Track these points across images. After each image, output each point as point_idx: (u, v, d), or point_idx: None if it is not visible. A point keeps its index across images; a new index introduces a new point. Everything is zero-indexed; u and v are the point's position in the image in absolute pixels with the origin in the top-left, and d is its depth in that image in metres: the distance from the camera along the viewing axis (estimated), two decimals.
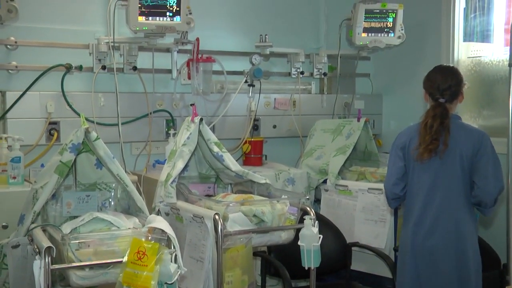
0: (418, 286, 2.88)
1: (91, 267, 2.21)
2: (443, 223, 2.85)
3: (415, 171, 2.90)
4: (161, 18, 3.47)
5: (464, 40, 4.27)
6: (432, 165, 2.86)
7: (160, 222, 2.24)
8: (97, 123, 3.62)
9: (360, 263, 3.61)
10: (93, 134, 2.45)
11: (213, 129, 3.83)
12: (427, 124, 2.85)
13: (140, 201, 2.58)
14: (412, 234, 2.89)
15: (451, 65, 3.22)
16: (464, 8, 4.27)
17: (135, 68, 3.78)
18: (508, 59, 3.47)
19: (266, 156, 4.22)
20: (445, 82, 2.88)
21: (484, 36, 4.31)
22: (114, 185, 2.75)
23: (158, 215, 2.77)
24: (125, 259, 2.11)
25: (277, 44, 4.24)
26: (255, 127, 4.24)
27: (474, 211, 2.91)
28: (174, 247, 2.17)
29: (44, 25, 3.59)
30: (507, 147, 3.47)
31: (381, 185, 3.57)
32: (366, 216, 3.61)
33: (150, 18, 3.45)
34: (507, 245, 3.46)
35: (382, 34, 4.21)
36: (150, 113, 3.81)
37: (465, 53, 4.28)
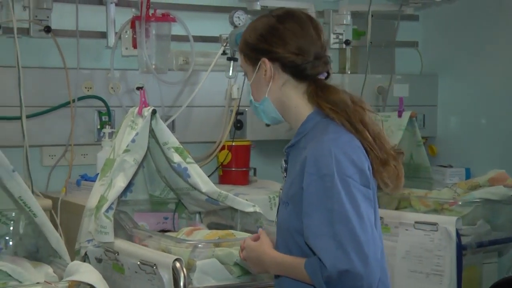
0: None
1: None
2: None
3: None
4: None
5: None
6: None
7: (87, 273, 2.24)
8: None
9: None
10: None
11: (172, 127, 3.85)
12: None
13: (56, 240, 2.57)
14: None
15: None
16: None
17: (48, 30, 3.74)
18: None
19: (255, 170, 4.24)
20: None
21: None
22: (13, 214, 2.74)
23: (84, 261, 2.77)
24: None
25: None
26: (239, 125, 4.24)
27: None
28: None
29: None
30: None
31: (435, 217, 3.60)
32: (411, 266, 3.62)
33: None
34: None
35: None
36: (73, 101, 3.79)
37: None
